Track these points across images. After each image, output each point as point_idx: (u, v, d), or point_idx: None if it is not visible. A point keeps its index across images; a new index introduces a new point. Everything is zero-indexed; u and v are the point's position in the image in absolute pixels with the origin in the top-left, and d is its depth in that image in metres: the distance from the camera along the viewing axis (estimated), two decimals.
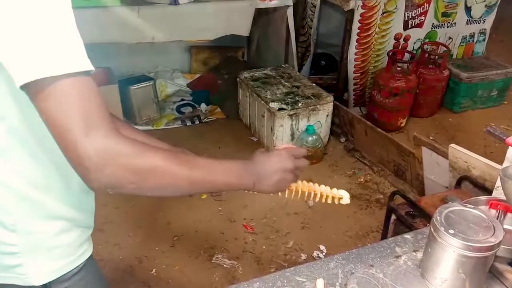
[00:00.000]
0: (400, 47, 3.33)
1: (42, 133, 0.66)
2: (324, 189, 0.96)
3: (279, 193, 0.94)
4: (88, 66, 0.63)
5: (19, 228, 0.76)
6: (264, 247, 2.20)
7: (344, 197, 0.97)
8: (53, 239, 0.80)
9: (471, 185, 1.82)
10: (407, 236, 1.05)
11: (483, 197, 1.09)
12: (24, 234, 0.77)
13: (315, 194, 0.96)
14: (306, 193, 0.96)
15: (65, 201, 0.80)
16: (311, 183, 0.97)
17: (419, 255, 0.98)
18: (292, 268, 0.95)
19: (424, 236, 1.04)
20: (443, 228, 0.83)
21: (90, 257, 0.89)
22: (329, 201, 0.96)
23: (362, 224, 2.37)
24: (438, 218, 0.86)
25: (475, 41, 3.77)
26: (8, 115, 0.69)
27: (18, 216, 0.76)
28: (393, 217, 1.85)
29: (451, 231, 0.82)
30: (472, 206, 0.89)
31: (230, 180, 0.82)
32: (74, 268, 0.84)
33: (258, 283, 0.90)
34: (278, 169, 0.87)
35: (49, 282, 0.82)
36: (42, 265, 0.80)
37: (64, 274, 0.83)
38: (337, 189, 0.98)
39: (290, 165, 0.89)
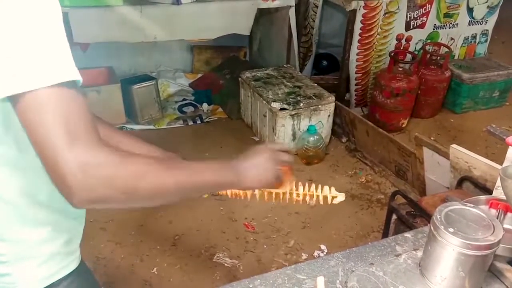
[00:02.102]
0: (402, 48, 3.33)
1: (27, 140, 0.63)
2: (315, 192, 0.97)
3: (257, 196, 0.94)
4: (71, 75, 0.60)
5: (6, 237, 0.75)
6: (265, 246, 2.20)
7: (338, 196, 0.97)
8: (41, 247, 0.79)
9: (472, 186, 1.82)
10: (407, 234, 1.06)
11: (483, 197, 1.09)
12: (12, 242, 0.76)
13: (305, 198, 0.96)
14: (294, 197, 0.96)
15: (53, 207, 0.79)
16: (302, 187, 0.97)
17: (419, 253, 0.99)
18: (292, 266, 0.95)
19: (424, 235, 1.05)
20: (443, 227, 0.84)
21: (81, 262, 0.88)
22: (321, 202, 0.97)
23: (363, 224, 2.37)
24: (438, 216, 0.86)
25: (477, 42, 3.77)
26: None
27: (5, 225, 0.74)
28: (394, 217, 1.85)
29: (451, 230, 0.83)
30: (472, 205, 0.89)
31: (215, 179, 0.81)
32: (65, 275, 0.84)
33: (259, 280, 0.91)
34: (262, 163, 0.87)
35: None
36: (31, 273, 0.79)
37: (54, 281, 0.82)
38: (332, 188, 0.98)
39: (274, 158, 0.89)
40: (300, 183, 0.98)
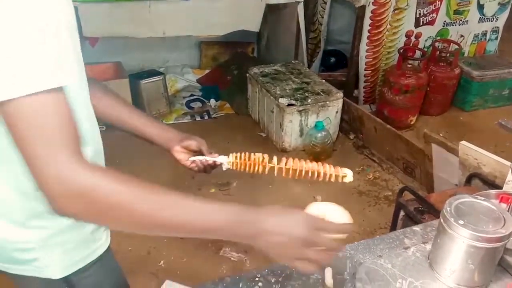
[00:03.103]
0: (411, 45, 3.31)
1: None
2: (325, 168, 0.92)
3: (275, 172, 0.87)
4: (53, 82, 0.57)
5: (30, 225, 0.76)
6: None
7: (348, 175, 0.92)
8: (68, 234, 0.80)
9: (481, 183, 1.80)
10: (416, 228, 1.05)
11: (493, 191, 1.09)
12: (36, 230, 0.77)
13: (315, 173, 0.91)
14: (304, 172, 0.91)
15: None
16: (311, 163, 0.92)
17: (428, 246, 0.98)
18: None
19: (433, 228, 1.04)
20: (453, 219, 0.83)
21: (107, 247, 0.90)
22: (332, 179, 0.91)
23: (370, 221, 2.36)
24: (448, 209, 0.86)
25: (487, 39, 3.73)
26: None
27: (28, 213, 0.75)
28: (402, 213, 1.84)
29: (461, 222, 0.82)
30: (483, 198, 0.89)
31: (219, 227, 0.66)
32: (92, 261, 0.85)
33: (266, 270, 0.91)
34: (289, 233, 0.67)
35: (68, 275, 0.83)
36: (58, 259, 0.81)
37: (83, 266, 0.84)
38: (341, 168, 0.93)
39: (312, 237, 0.68)
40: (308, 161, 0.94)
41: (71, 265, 0.82)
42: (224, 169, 0.94)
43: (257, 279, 0.89)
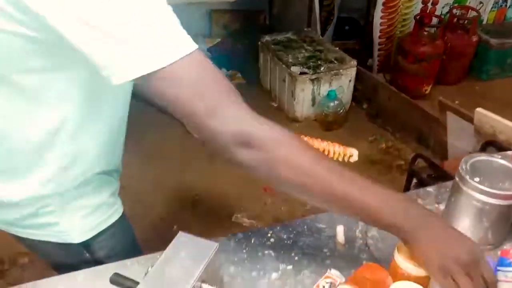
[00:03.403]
0: (428, 11, 3.20)
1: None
2: (334, 147, 0.95)
3: None
4: (193, 44, 0.59)
5: (53, 187, 0.77)
6: (282, 208, 2.22)
7: (354, 154, 0.95)
8: (87, 199, 0.82)
9: (496, 151, 1.78)
10: (430, 189, 1.04)
11: (510, 152, 1.06)
12: (58, 193, 0.78)
13: (324, 151, 0.94)
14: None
15: (100, 165, 0.82)
16: (321, 141, 0.96)
17: (442, 207, 0.97)
18: (312, 216, 0.96)
19: (447, 189, 1.02)
20: (468, 176, 0.82)
21: (122, 212, 0.92)
22: (339, 158, 0.95)
23: None
24: (464, 166, 0.84)
25: (508, 5, 3.59)
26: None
27: (54, 173, 0.76)
28: (414, 180, 1.83)
29: (477, 179, 0.81)
30: (500, 156, 0.87)
31: (380, 208, 0.63)
32: (110, 224, 0.87)
33: (278, 227, 0.92)
34: (462, 254, 0.62)
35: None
36: (78, 224, 0.83)
37: (101, 230, 0.86)
38: (348, 147, 0.96)
39: (477, 267, 0.63)
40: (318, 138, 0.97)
41: (90, 230, 0.85)
42: None
43: (269, 235, 0.89)
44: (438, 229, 0.64)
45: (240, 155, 0.61)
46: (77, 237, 0.84)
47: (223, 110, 0.60)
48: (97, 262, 0.88)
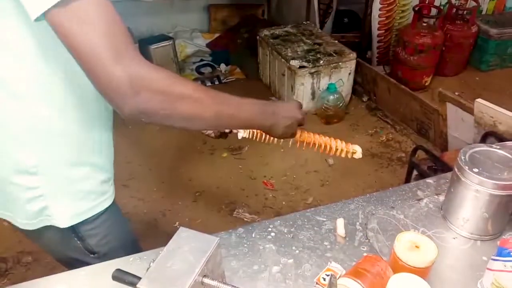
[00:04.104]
0: (426, 2, 3.19)
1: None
2: (337, 143, 0.97)
3: (290, 142, 0.96)
4: None
5: (41, 171, 0.78)
6: (284, 202, 2.23)
7: (357, 151, 0.97)
8: (77, 185, 0.83)
9: (496, 141, 1.78)
10: (430, 180, 1.04)
11: (509, 143, 1.07)
12: (47, 177, 0.79)
13: (327, 147, 0.96)
14: (317, 145, 0.96)
15: (94, 149, 0.83)
16: (324, 137, 0.97)
17: (441, 198, 0.98)
18: (312, 209, 0.96)
19: (447, 180, 1.03)
20: (467, 167, 0.82)
21: (113, 201, 0.92)
22: (343, 154, 0.96)
23: (383, 182, 2.36)
24: (463, 157, 0.84)
25: None
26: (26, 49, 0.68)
27: (41, 158, 0.77)
28: (415, 172, 1.84)
29: (476, 170, 0.81)
30: (498, 147, 0.87)
31: (252, 118, 0.82)
32: (98, 212, 0.88)
33: (279, 221, 0.92)
34: (291, 117, 0.89)
35: (76, 224, 0.85)
36: (66, 208, 0.83)
37: (89, 217, 0.86)
38: (352, 144, 0.98)
39: (300, 115, 0.91)
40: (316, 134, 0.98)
41: (77, 215, 0.85)
42: (239, 137, 0.98)
43: (269, 229, 0.90)
44: (283, 113, 0.88)
45: (139, 100, 0.62)
46: (64, 221, 0.84)
47: (128, 57, 0.61)
48: (89, 251, 0.89)
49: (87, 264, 0.87)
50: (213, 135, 1.01)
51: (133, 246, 0.97)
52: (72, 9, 0.58)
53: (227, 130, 0.99)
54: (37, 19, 0.58)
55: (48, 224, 0.84)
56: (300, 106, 0.93)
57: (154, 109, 0.65)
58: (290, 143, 0.96)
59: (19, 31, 0.66)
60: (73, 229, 0.86)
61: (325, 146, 0.96)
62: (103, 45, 0.59)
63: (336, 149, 0.96)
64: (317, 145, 0.96)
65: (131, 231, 1.05)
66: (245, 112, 0.80)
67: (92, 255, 0.91)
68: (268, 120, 0.85)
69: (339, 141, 0.97)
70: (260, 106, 0.84)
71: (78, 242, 0.88)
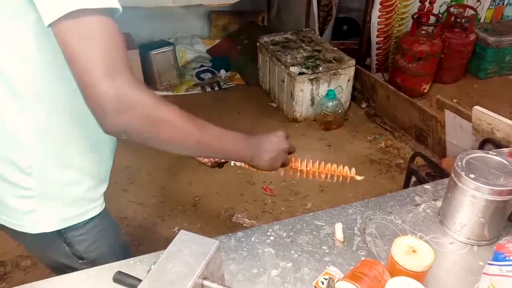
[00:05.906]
0: (425, 10, 3.22)
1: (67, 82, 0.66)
2: (332, 169, 0.96)
3: (281, 173, 0.95)
4: (115, 3, 0.62)
5: (34, 172, 0.78)
6: (283, 208, 2.23)
7: (356, 177, 0.96)
8: (66, 189, 0.83)
9: (494, 148, 1.79)
10: (427, 186, 1.06)
11: (506, 149, 1.08)
12: (39, 179, 0.79)
13: (322, 174, 0.95)
14: (311, 173, 0.95)
15: (82, 151, 0.83)
16: (320, 164, 0.97)
17: (439, 203, 0.99)
18: (311, 214, 0.97)
19: (444, 186, 1.04)
20: (464, 173, 0.83)
21: (104, 210, 0.92)
22: (340, 179, 0.96)
23: (381, 188, 2.37)
24: (459, 163, 0.86)
25: (505, 3, 3.60)
26: (32, 57, 0.70)
27: (36, 158, 0.78)
28: (413, 178, 1.85)
29: (472, 176, 0.82)
30: (494, 153, 0.88)
31: (233, 149, 0.82)
32: (87, 219, 0.88)
33: (278, 225, 0.93)
34: (275, 148, 0.88)
35: (63, 229, 0.85)
36: (55, 212, 0.84)
37: (77, 223, 0.87)
38: (348, 168, 0.97)
39: (286, 145, 0.91)
40: (318, 161, 0.98)
41: (64, 220, 0.85)
42: (232, 164, 0.98)
43: (268, 233, 0.91)
44: (260, 147, 0.87)
45: (120, 120, 0.63)
46: (50, 225, 0.84)
47: (121, 79, 0.62)
48: (78, 257, 0.89)
49: (75, 270, 0.86)
50: (209, 164, 1.02)
51: (122, 252, 0.96)
52: (80, 22, 0.59)
53: (222, 160, 1.00)
54: (49, 25, 0.60)
55: (33, 231, 0.84)
56: (286, 136, 0.92)
57: (136, 131, 0.66)
58: (282, 173, 0.95)
59: (25, 31, 0.68)
60: (61, 234, 0.86)
61: (320, 174, 0.95)
62: (100, 61, 0.60)
63: (332, 175, 0.96)
64: (311, 173, 0.95)
65: (120, 236, 1.04)
66: (227, 142, 0.80)
67: (80, 261, 0.91)
68: (249, 152, 0.85)
69: (335, 165, 0.96)
70: (243, 138, 0.84)
71: (66, 247, 0.88)
